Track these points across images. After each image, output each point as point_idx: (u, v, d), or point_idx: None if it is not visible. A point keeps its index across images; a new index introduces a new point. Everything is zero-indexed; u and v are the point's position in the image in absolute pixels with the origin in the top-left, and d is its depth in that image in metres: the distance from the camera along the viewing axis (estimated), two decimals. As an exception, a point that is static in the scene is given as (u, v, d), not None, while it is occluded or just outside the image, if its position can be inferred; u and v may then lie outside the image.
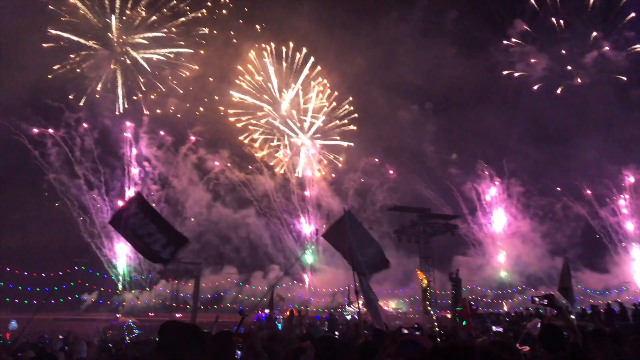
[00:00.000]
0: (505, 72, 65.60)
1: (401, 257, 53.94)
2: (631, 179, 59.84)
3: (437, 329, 24.38)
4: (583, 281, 57.21)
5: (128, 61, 59.45)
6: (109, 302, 53.77)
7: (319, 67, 64.10)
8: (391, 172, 62.93)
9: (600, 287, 56.70)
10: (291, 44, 63.25)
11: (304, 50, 63.16)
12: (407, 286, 54.41)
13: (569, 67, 65.18)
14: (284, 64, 63.87)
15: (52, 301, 47.53)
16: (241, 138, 61.73)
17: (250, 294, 54.83)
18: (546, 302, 17.82)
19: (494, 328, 22.09)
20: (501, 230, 61.29)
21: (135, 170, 56.15)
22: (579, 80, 64.81)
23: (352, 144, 63.84)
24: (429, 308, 32.37)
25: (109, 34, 58.95)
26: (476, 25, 64.62)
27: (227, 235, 57.45)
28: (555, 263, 57.64)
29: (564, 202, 60.28)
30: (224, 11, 63.15)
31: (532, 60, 65.32)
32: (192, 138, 58.94)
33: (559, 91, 64.74)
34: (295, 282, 58.41)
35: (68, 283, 51.49)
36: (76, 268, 51.99)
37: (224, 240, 57.59)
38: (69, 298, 51.37)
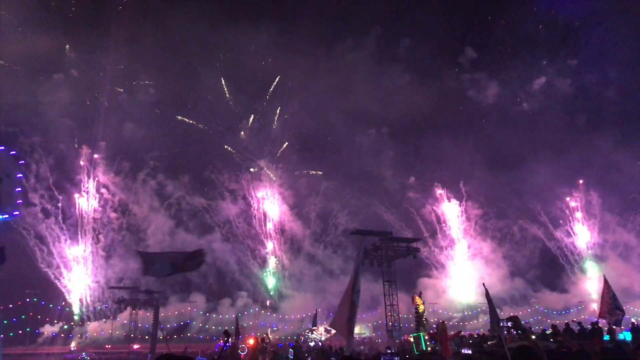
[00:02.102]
0: (456, 100, 68.05)
1: (368, 282, 53.81)
2: (582, 200, 62.45)
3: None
4: (544, 301, 58.86)
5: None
6: (62, 335, 51.38)
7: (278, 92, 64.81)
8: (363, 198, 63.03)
9: (560, 306, 58.28)
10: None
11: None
12: (375, 309, 53.90)
13: (519, 94, 68.20)
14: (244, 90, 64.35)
15: (2, 335, 45.28)
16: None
17: (216, 322, 53.46)
18: (511, 325, 18.45)
19: (463, 351, 22.42)
20: (462, 252, 62.14)
21: (94, 202, 54.59)
22: (526, 105, 67.78)
23: (320, 172, 64.22)
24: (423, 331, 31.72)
25: (64, 58, 58.04)
26: (428, 53, 67.17)
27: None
28: (516, 284, 59.36)
29: (520, 225, 62.06)
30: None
31: (483, 87, 68.06)
32: (151, 163, 57.99)
33: (508, 117, 67.49)
34: (259, 309, 57.29)
35: (19, 316, 49.17)
36: (28, 300, 49.80)
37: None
38: (20, 332, 48.95)
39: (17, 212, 12.15)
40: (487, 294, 14.47)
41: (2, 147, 11.72)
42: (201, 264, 12.02)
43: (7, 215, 11.64)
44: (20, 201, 11.07)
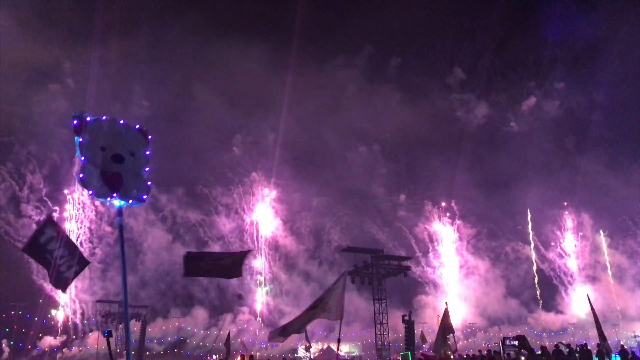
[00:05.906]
0: (446, 120, 68.53)
1: (367, 299, 53.34)
2: (573, 221, 62.81)
3: None
4: (539, 321, 58.72)
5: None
6: (46, 350, 50.07)
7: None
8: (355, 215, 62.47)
9: (556, 327, 58.32)
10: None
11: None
12: (366, 328, 52.86)
13: (508, 115, 68.92)
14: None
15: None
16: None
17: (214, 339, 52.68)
18: (517, 344, 18.41)
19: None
20: (455, 271, 61.48)
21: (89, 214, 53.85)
22: (515, 126, 68.38)
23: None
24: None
25: (60, 68, 57.87)
26: (418, 73, 68.01)
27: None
28: (511, 304, 59.35)
29: (512, 245, 62.07)
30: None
31: (472, 108, 68.69)
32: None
33: (498, 138, 68.04)
34: (253, 325, 56.32)
35: (3, 329, 48.22)
36: (13, 313, 48.83)
37: (191, 280, 55.00)
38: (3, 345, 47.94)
39: (145, 196, 9.97)
40: (445, 312, 14.79)
41: (122, 121, 10.47)
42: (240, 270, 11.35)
43: (132, 200, 10.15)
44: (150, 183, 9.64)
